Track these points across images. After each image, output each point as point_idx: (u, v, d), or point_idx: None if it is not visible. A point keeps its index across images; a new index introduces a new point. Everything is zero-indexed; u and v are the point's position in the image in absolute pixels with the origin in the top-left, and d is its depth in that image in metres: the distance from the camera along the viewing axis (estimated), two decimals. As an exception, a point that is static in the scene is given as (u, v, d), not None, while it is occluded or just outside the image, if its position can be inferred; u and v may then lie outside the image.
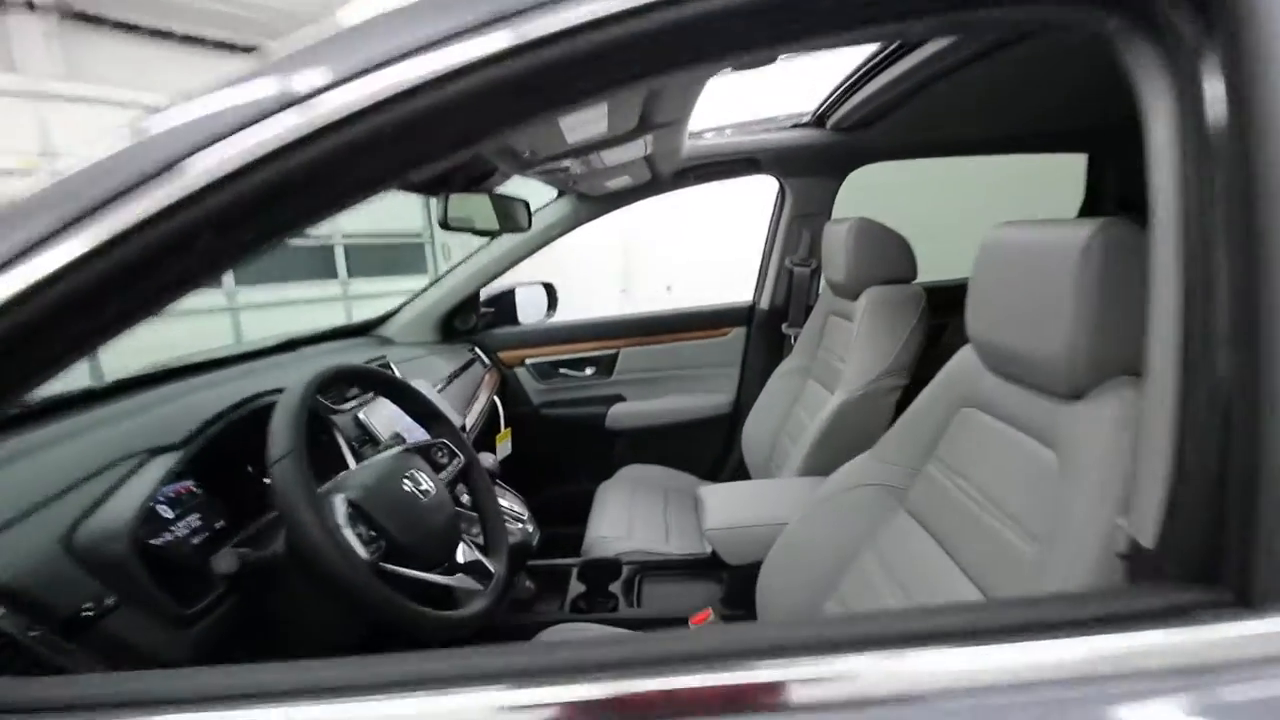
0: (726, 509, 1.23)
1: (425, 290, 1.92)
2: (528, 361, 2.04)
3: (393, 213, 6.72)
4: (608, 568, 1.38)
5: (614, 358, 2.03)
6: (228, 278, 5.40)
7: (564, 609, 1.26)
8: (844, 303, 1.57)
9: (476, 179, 1.10)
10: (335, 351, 1.57)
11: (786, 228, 1.88)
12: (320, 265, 6.46)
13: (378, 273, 6.76)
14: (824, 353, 1.66)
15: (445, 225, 1.11)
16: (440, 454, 0.96)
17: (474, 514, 0.99)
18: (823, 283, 1.89)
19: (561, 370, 2.05)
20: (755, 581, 1.10)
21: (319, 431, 1.00)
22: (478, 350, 1.99)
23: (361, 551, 0.68)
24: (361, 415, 1.11)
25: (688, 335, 2.02)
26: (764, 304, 1.98)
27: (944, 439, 0.92)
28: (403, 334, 1.89)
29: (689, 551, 1.44)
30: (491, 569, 0.87)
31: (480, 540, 0.97)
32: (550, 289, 2.22)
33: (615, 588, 1.31)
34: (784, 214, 1.88)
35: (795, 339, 1.86)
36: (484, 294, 2.11)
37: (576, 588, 1.33)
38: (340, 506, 0.71)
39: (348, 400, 1.12)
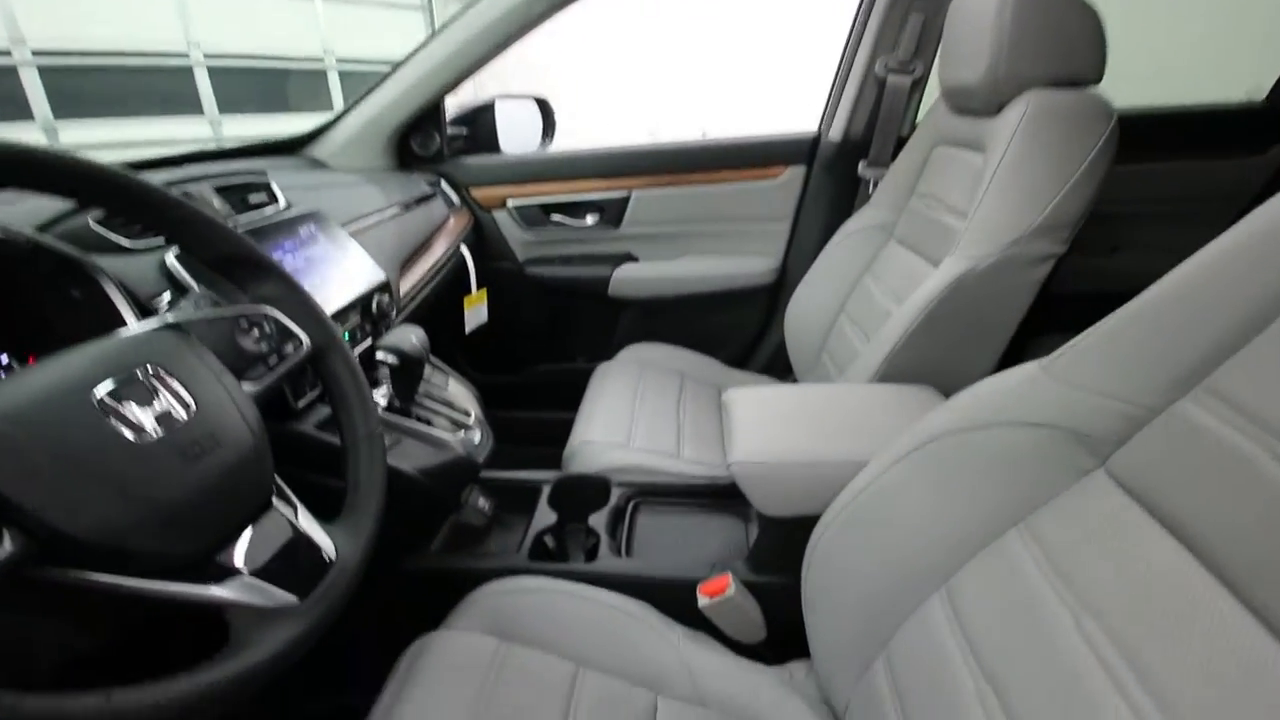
0: (763, 432, 0.80)
1: (365, 97, 1.40)
2: (510, 203, 1.55)
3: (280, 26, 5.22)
4: (591, 489, 1.00)
5: (624, 202, 1.53)
6: (43, 109, 4.21)
7: (521, 549, 0.89)
8: (970, 124, 1.02)
9: None
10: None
11: (885, 10, 1.26)
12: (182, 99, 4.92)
13: (260, 108, 5.19)
14: (921, 203, 1.14)
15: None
16: (255, 336, 0.52)
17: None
18: (926, 102, 1.31)
19: (554, 217, 1.56)
20: (803, 537, 0.70)
21: (68, 285, 0.57)
22: (444, 184, 1.49)
23: None
24: (170, 258, 0.67)
25: (724, 174, 1.49)
26: (834, 134, 1.41)
27: (1250, 351, 0.44)
28: (340, 156, 1.40)
29: (708, 473, 1.05)
30: (328, 554, 0.47)
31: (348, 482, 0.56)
32: (545, 106, 1.67)
33: (598, 520, 0.93)
34: (883, -15, 1.26)
35: (875, 185, 1.33)
36: (454, 109, 1.58)
37: (546, 516, 0.95)
38: None
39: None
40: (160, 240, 0.68)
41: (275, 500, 0.47)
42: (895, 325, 0.96)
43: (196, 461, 0.40)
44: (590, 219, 1.55)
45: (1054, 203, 0.85)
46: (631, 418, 1.22)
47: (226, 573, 0.41)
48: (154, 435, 0.39)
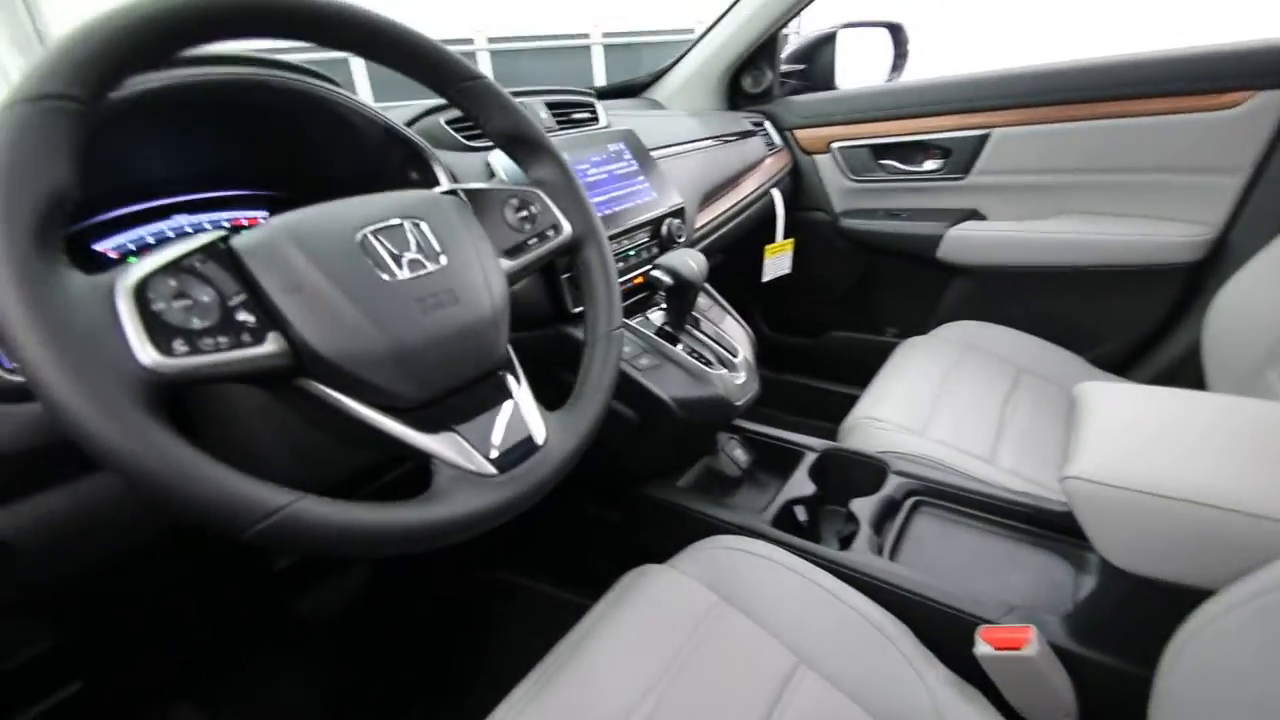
0: (1131, 444, 0.53)
1: (702, 37, 1.38)
2: (835, 145, 1.39)
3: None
4: (862, 470, 0.84)
5: (979, 144, 1.23)
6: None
7: (766, 512, 0.79)
8: None
9: None
10: None
11: None
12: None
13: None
14: None
15: None
16: (521, 214, 0.52)
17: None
18: None
19: (884, 161, 1.35)
20: (1170, 611, 0.46)
21: (410, 169, 0.66)
22: (768, 125, 1.41)
23: (146, 351, 0.31)
24: (491, 155, 0.73)
25: (1139, 105, 1.08)
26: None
27: None
28: (676, 98, 1.43)
29: (1029, 492, 0.79)
30: (538, 438, 0.45)
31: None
32: (898, 32, 1.44)
33: (863, 507, 0.77)
34: None
35: None
36: (792, 44, 1.48)
37: (802, 486, 0.83)
38: (167, 256, 0.34)
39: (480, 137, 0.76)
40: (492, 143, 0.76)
41: (504, 374, 0.47)
42: None
43: (431, 312, 0.42)
44: (930, 164, 1.30)
45: None
46: (934, 403, 1.00)
47: (439, 426, 0.41)
48: (400, 278, 0.41)
